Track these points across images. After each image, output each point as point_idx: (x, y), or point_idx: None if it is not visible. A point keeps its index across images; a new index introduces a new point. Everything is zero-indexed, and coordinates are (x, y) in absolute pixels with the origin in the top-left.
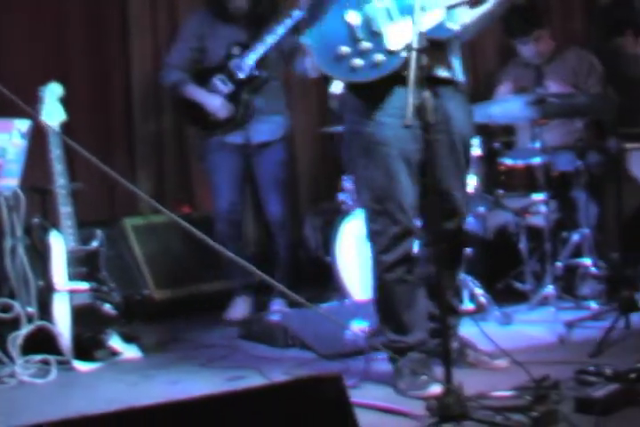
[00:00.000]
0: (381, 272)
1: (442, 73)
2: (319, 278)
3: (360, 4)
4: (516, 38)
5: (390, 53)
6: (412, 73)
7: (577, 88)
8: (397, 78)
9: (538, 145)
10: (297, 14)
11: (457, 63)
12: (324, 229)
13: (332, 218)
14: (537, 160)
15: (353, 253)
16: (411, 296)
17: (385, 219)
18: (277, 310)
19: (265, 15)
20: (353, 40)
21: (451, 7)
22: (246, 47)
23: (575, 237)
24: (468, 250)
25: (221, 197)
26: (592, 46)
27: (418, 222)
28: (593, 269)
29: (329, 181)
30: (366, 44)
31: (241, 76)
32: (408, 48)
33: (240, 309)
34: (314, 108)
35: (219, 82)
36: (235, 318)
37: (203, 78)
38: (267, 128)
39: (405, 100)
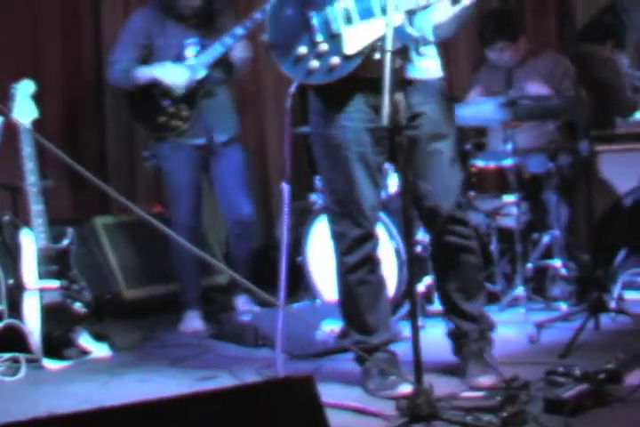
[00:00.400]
0: (344, 273)
1: (408, 73)
2: (290, 279)
3: (322, 4)
4: (490, 46)
5: (346, 57)
6: (386, 75)
7: (551, 90)
8: (357, 81)
9: (509, 147)
10: (258, 17)
11: (429, 62)
12: (295, 229)
13: (304, 218)
14: (508, 162)
15: (324, 254)
16: (373, 297)
17: (346, 221)
18: (247, 309)
19: (216, 14)
20: (311, 41)
21: (411, 12)
22: (201, 47)
23: (546, 239)
24: None
25: (182, 204)
26: (567, 49)
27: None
28: (563, 271)
29: (301, 181)
30: (324, 47)
31: (197, 77)
32: (381, 50)
33: (193, 322)
34: (285, 109)
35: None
36: (189, 330)
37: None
38: (227, 126)
39: (365, 103)
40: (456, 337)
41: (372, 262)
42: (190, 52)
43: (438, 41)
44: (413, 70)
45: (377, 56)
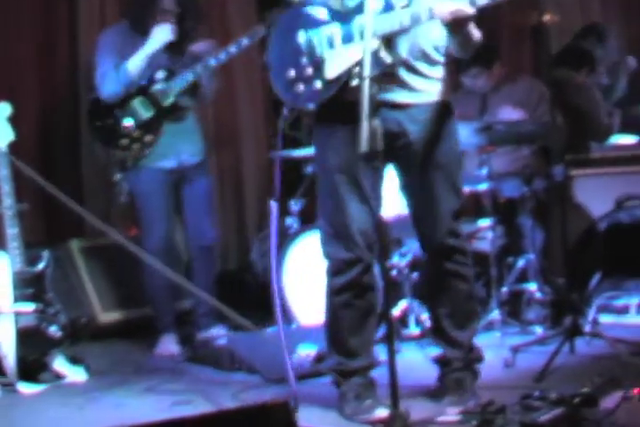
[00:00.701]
0: (330, 295)
1: (395, 97)
2: (266, 303)
3: (310, 28)
4: (465, 72)
5: (328, 82)
6: (364, 101)
7: (526, 115)
8: (343, 105)
9: (485, 172)
10: (232, 51)
11: (426, 85)
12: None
13: (279, 242)
14: (484, 186)
15: (300, 278)
16: (358, 321)
17: (336, 243)
18: (222, 333)
19: (186, 38)
20: (299, 65)
21: (388, 36)
22: (171, 72)
23: (521, 263)
24: (414, 274)
25: (155, 228)
26: (542, 74)
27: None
28: (538, 295)
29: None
30: (309, 71)
31: (165, 103)
32: (359, 76)
33: (168, 346)
34: (261, 133)
35: (139, 105)
36: (164, 354)
37: (123, 99)
38: (196, 150)
39: (352, 128)
40: (440, 363)
41: (359, 286)
42: (160, 75)
43: (446, 60)
44: (406, 94)
45: (354, 82)
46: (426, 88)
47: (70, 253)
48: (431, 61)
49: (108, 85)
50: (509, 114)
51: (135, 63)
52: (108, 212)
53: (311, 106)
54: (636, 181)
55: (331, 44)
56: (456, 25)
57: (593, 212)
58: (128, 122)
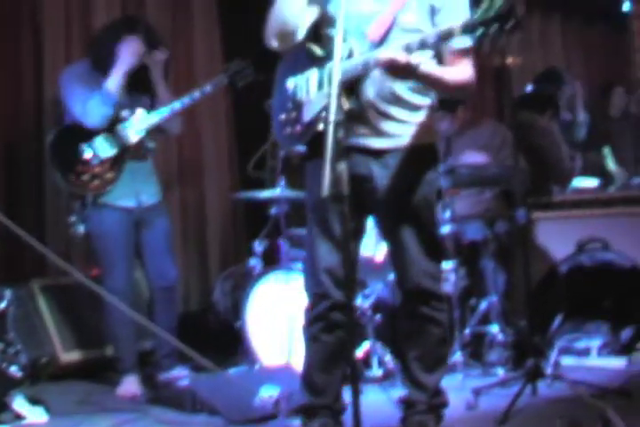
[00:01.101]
0: (303, 328)
1: (367, 142)
2: (228, 343)
3: (297, 73)
4: None
5: (305, 126)
6: (328, 145)
7: (490, 159)
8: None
9: (448, 214)
10: (196, 96)
11: (398, 128)
12: (234, 293)
13: (242, 282)
14: (446, 229)
15: (263, 319)
16: (325, 357)
17: (309, 278)
18: (184, 375)
19: (149, 78)
20: (287, 109)
21: (345, 83)
22: (135, 113)
23: (483, 305)
24: (377, 316)
25: (116, 269)
26: (505, 117)
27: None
28: (500, 336)
29: (239, 245)
30: (293, 114)
31: (130, 142)
32: (324, 121)
33: (130, 386)
34: (226, 174)
35: (103, 142)
36: (126, 395)
37: (85, 134)
38: (155, 191)
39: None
40: (405, 405)
41: (327, 321)
42: (126, 113)
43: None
44: (377, 139)
45: (320, 127)
46: (400, 132)
47: (32, 293)
48: (407, 105)
49: (95, 110)
50: (473, 157)
51: (114, 82)
52: (69, 251)
53: (294, 148)
54: (596, 224)
55: (307, 90)
56: (398, 72)
57: (555, 254)
58: (88, 155)
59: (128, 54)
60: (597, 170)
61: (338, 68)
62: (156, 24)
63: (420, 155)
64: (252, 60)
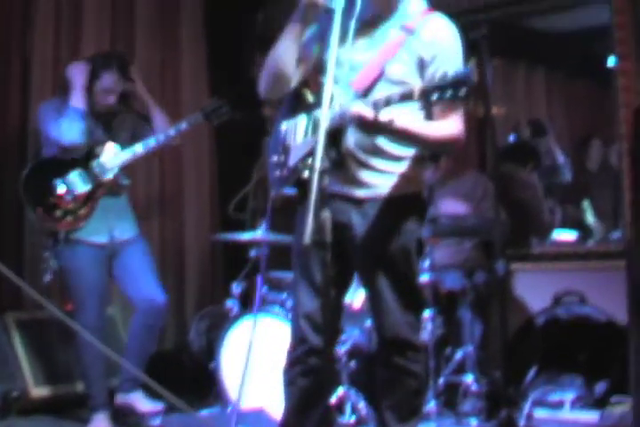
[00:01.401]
0: (284, 369)
1: (348, 191)
2: (202, 384)
3: (287, 117)
4: None
5: (290, 170)
6: (312, 193)
7: (470, 210)
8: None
9: (427, 263)
10: (170, 134)
11: (378, 179)
12: (209, 333)
13: (218, 323)
14: (425, 277)
15: (238, 361)
16: (300, 402)
17: (293, 321)
18: (154, 411)
19: (123, 114)
20: (278, 152)
21: (334, 131)
22: (110, 149)
23: (459, 354)
24: (353, 363)
25: (88, 305)
26: (488, 169)
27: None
28: (474, 386)
29: (217, 286)
30: (282, 158)
31: (104, 178)
32: (309, 168)
33: (100, 424)
34: (206, 215)
35: (77, 178)
36: None
37: (58, 169)
38: (129, 226)
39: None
40: None
41: (305, 366)
42: (100, 150)
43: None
44: (357, 188)
45: (305, 174)
46: (379, 182)
47: (6, 326)
48: (388, 156)
49: (68, 127)
50: (454, 207)
51: (76, 98)
52: (47, 285)
53: (282, 190)
54: (574, 277)
55: (295, 135)
56: (367, 128)
57: (531, 306)
58: (62, 190)
59: (77, 74)
60: (576, 223)
61: (325, 117)
62: (145, 59)
63: (400, 205)
64: (229, 99)
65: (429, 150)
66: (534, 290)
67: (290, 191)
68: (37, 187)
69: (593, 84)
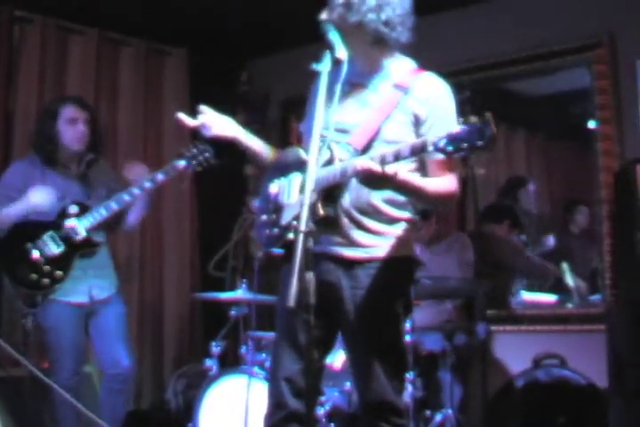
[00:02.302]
0: None
1: (338, 251)
2: None
3: (281, 175)
4: None
5: (282, 229)
6: (297, 255)
7: (453, 270)
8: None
9: (408, 324)
10: (146, 185)
11: (372, 240)
12: (187, 393)
13: (196, 382)
14: (406, 339)
15: (216, 422)
16: None
17: (271, 384)
18: None
19: (92, 164)
20: (268, 211)
21: (323, 190)
22: (83, 207)
23: (438, 417)
24: (332, 425)
25: (66, 363)
26: (468, 228)
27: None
28: None
29: (195, 345)
30: (273, 217)
31: (77, 239)
32: (294, 230)
33: None
34: (185, 273)
35: (50, 240)
36: None
37: (31, 232)
38: (107, 284)
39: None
40: None
41: None
42: (72, 209)
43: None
44: (349, 249)
45: (290, 235)
46: (372, 244)
47: None
48: (383, 217)
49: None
50: (436, 268)
51: (8, 215)
52: (24, 342)
53: (270, 250)
54: (554, 339)
55: (289, 193)
56: (373, 181)
57: (511, 368)
58: (36, 254)
59: (31, 202)
60: (556, 285)
61: (311, 178)
62: (127, 115)
63: (392, 268)
64: (209, 144)
65: (428, 205)
66: (514, 352)
67: (277, 251)
68: (10, 253)
69: (572, 146)
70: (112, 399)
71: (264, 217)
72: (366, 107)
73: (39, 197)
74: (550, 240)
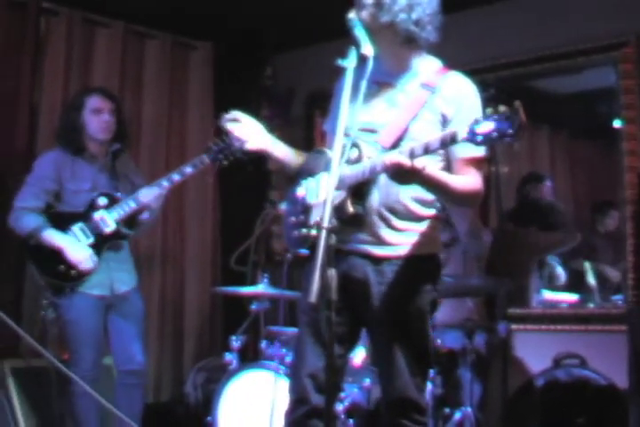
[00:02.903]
0: None
1: (366, 248)
2: None
3: (310, 175)
4: None
5: (310, 229)
6: (319, 251)
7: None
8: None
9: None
10: (176, 178)
11: (401, 238)
12: (206, 386)
13: (215, 376)
14: (432, 336)
15: (236, 416)
16: None
17: (290, 382)
18: None
19: (117, 155)
20: (296, 212)
21: (352, 187)
22: (112, 199)
23: (457, 415)
24: (351, 421)
25: (85, 355)
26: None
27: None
28: None
29: (215, 339)
30: (301, 217)
31: (106, 231)
32: (317, 226)
33: None
34: (207, 267)
35: (79, 231)
36: None
37: (61, 223)
38: (128, 278)
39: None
40: None
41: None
42: (102, 201)
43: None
44: (376, 246)
45: (313, 232)
46: (400, 242)
47: (2, 374)
48: (410, 215)
49: (16, 223)
50: (456, 266)
51: (49, 239)
52: (44, 333)
53: (299, 251)
54: (574, 339)
55: (317, 193)
56: (402, 176)
57: (531, 367)
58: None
59: (69, 254)
60: (577, 285)
61: (335, 175)
62: (152, 109)
63: (418, 265)
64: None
65: (455, 202)
66: (534, 351)
67: (305, 252)
68: (40, 244)
69: (597, 145)
70: (128, 395)
71: (292, 219)
72: (394, 107)
73: (76, 254)
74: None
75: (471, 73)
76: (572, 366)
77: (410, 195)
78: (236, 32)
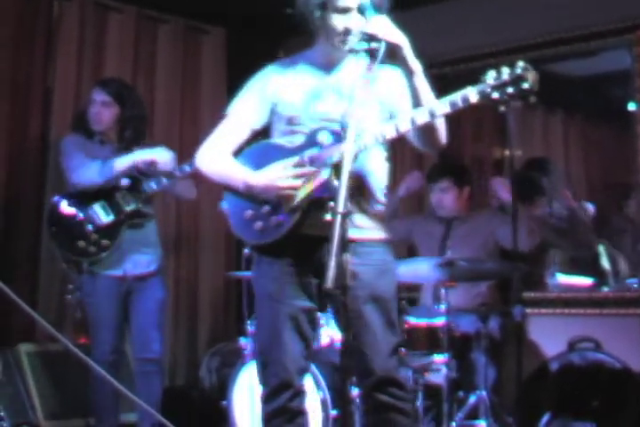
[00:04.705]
0: (263, 421)
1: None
2: (212, 421)
3: (262, 167)
4: (435, 184)
5: (288, 213)
6: (335, 237)
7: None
8: (295, 236)
9: (443, 306)
10: (186, 169)
11: (372, 221)
12: (220, 371)
13: (230, 360)
14: (440, 320)
15: (250, 400)
16: None
17: (268, 370)
18: None
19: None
20: (257, 204)
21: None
22: (135, 180)
23: (472, 399)
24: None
25: (104, 338)
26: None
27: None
28: None
29: (230, 324)
30: (266, 208)
31: (127, 209)
32: (332, 211)
33: None
34: (221, 252)
35: (100, 209)
36: None
37: (82, 200)
38: (146, 260)
39: (296, 259)
40: None
41: (289, 412)
42: (125, 181)
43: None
44: (353, 229)
45: (327, 217)
46: (368, 226)
47: (18, 358)
48: (376, 200)
49: (89, 173)
50: (471, 249)
51: (122, 163)
52: (60, 318)
53: (266, 241)
54: (589, 323)
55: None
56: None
57: (546, 350)
58: (85, 222)
59: (153, 154)
60: (591, 268)
61: (349, 159)
62: (165, 94)
63: (385, 246)
64: None
65: (427, 142)
66: (549, 335)
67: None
68: (60, 220)
69: (611, 128)
70: (146, 382)
71: (249, 212)
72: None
73: (164, 155)
74: (589, 206)
75: (485, 57)
76: (586, 350)
77: (378, 184)
78: (249, 16)
